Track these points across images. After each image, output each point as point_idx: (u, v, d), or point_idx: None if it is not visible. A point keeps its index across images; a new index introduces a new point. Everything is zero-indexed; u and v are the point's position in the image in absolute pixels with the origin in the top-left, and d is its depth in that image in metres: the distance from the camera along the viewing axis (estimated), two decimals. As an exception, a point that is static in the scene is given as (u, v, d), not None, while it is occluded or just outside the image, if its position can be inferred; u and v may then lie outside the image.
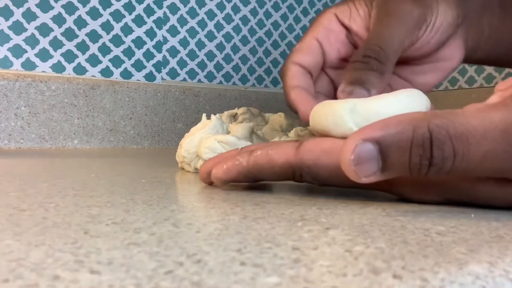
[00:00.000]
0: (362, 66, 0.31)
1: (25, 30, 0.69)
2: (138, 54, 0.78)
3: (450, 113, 0.21)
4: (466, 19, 0.37)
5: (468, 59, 0.40)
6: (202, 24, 0.85)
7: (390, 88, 0.37)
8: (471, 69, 0.86)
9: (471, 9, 0.37)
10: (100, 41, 0.75)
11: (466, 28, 0.37)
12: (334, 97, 0.35)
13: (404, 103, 0.25)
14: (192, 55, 0.84)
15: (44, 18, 0.70)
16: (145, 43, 0.79)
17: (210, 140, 0.34)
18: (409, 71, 0.38)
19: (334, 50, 0.36)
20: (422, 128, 0.20)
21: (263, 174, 0.27)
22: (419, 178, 0.21)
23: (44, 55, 0.71)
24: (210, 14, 0.85)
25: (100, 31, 0.75)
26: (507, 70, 0.81)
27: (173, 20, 0.81)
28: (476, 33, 0.39)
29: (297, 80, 0.35)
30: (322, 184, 0.26)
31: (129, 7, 0.77)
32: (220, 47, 0.87)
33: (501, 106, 0.20)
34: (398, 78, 0.38)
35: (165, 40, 0.81)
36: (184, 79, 0.83)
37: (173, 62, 0.82)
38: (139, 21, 0.78)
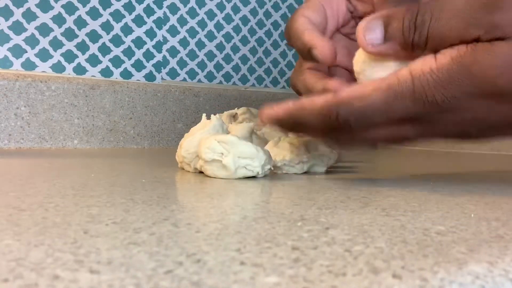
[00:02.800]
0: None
1: (25, 30, 0.69)
2: (138, 54, 0.78)
3: None
4: None
5: None
6: (202, 24, 0.85)
7: None
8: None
9: None
10: (100, 41, 0.75)
11: None
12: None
13: None
14: (192, 55, 0.84)
15: (44, 18, 0.71)
16: (145, 43, 0.79)
17: (210, 140, 0.34)
18: None
19: (334, 18, 0.38)
20: (414, 6, 0.27)
21: (305, 115, 0.30)
22: (411, 47, 0.27)
23: (44, 55, 0.71)
24: (210, 14, 0.85)
25: (100, 31, 0.75)
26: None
27: (173, 20, 0.82)
28: None
29: (308, 26, 0.35)
30: (356, 124, 0.28)
31: (129, 7, 0.77)
32: (220, 47, 0.87)
33: None
34: None
35: (165, 40, 0.81)
36: (184, 79, 0.83)
37: (173, 62, 0.82)
38: (139, 21, 0.78)
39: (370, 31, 0.28)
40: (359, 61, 0.31)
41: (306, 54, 0.34)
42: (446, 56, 0.26)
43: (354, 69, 0.31)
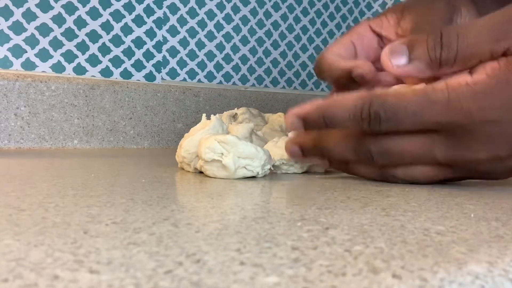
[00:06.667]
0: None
1: (25, 30, 0.69)
2: (138, 54, 0.78)
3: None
4: None
5: None
6: (202, 24, 0.85)
7: None
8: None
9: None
10: (100, 41, 0.75)
11: None
12: None
13: None
14: (192, 55, 0.84)
15: (44, 18, 0.71)
16: (145, 43, 0.79)
17: (210, 140, 0.34)
18: None
19: (364, 53, 0.40)
20: (437, 30, 0.29)
21: (336, 109, 0.30)
22: (439, 65, 0.28)
23: (44, 55, 0.71)
24: (210, 14, 0.85)
25: (100, 31, 0.75)
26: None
27: (173, 20, 0.82)
28: None
29: (339, 58, 0.38)
30: (385, 120, 0.29)
31: (129, 7, 0.77)
32: (220, 47, 0.87)
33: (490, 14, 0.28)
34: None
35: (165, 40, 0.81)
36: (184, 79, 0.83)
37: (173, 62, 0.82)
38: (139, 21, 0.78)
39: (395, 54, 0.29)
40: None
41: (346, 78, 0.36)
42: (481, 74, 0.27)
43: None
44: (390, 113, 0.29)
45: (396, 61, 0.29)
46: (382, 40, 0.41)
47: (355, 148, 0.32)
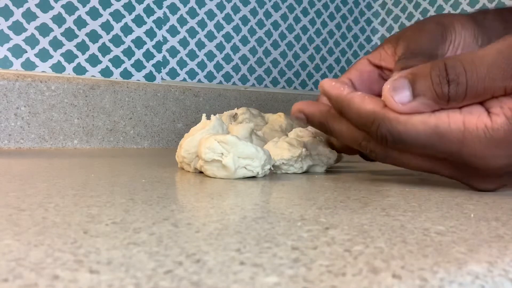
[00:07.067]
0: (408, 60, 0.35)
1: (25, 30, 0.69)
2: (138, 54, 0.78)
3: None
4: (490, 42, 0.40)
5: None
6: (202, 24, 0.85)
7: None
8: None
9: (492, 32, 0.40)
10: (100, 41, 0.75)
11: None
12: None
13: None
14: (192, 55, 0.84)
15: (44, 18, 0.71)
16: (145, 43, 0.79)
17: (210, 140, 0.34)
18: None
19: (366, 88, 0.40)
20: (439, 62, 0.27)
21: (351, 108, 0.30)
22: (447, 101, 0.27)
23: (44, 55, 0.71)
24: (210, 14, 0.85)
25: (100, 31, 0.75)
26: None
27: (173, 20, 0.82)
28: None
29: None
30: (392, 143, 0.29)
31: (129, 7, 0.77)
32: (220, 47, 0.87)
33: (495, 43, 0.27)
34: None
35: (165, 40, 0.81)
36: (184, 79, 0.83)
37: (173, 62, 0.82)
38: (139, 21, 0.78)
39: (397, 91, 0.28)
40: None
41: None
42: (500, 116, 0.26)
43: None
44: (397, 139, 0.28)
45: (399, 97, 0.28)
46: (383, 70, 0.40)
47: (371, 125, 0.31)
